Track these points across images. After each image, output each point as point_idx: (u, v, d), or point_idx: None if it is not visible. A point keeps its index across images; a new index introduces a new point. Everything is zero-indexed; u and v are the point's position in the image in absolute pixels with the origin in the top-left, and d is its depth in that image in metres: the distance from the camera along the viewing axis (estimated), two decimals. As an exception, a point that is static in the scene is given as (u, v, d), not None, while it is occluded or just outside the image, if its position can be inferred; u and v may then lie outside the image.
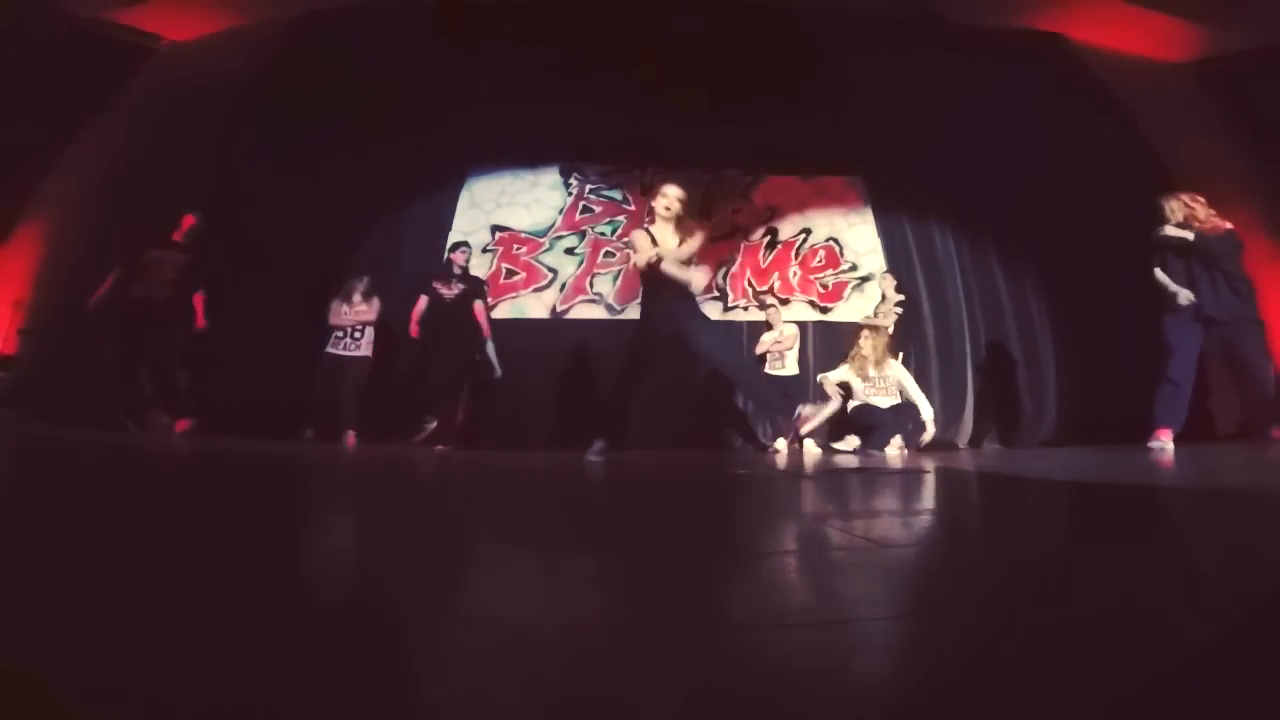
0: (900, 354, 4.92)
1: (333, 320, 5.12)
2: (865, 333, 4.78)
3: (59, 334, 4.86)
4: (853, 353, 4.78)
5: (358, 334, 5.12)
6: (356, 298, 5.16)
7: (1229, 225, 3.65)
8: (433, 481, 2.23)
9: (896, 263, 6.20)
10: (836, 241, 6.39)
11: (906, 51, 5.74)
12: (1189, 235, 3.61)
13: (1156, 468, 2.38)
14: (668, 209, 3.32)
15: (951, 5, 5.66)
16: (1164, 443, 3.44)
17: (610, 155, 6.49)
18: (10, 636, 0.49)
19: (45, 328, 5.03)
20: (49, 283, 5.22)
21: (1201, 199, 3.71)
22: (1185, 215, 3.66)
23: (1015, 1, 5.80)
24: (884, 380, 4.63)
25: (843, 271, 6.26)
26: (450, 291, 4.78)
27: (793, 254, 6.36)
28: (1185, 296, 3.54)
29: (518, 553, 0.97)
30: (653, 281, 3.28)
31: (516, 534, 1.15)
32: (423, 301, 4.89)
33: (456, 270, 4.90)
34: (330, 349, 5.08)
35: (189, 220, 4.41)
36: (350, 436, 4.89)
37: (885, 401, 4.59)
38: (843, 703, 0.40)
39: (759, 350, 5.59)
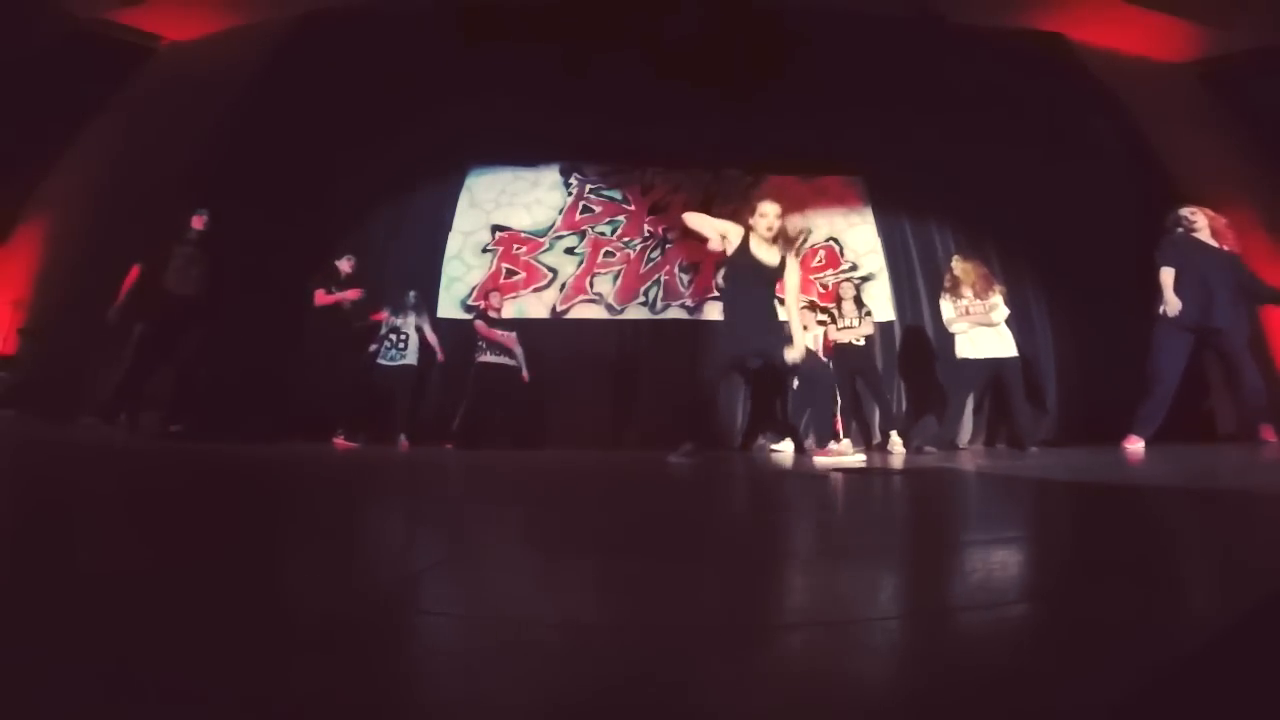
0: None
1: (382, 324, 5.21)
2: (956, 259, 4.53)
3: (59, 334, 4.85)
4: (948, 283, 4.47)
5: (403, 345, 5.15)
6: (410, 314, 5.26)
7: (1232, 238, 3.69)
8: (444, 481, 2.23)
9: (896, 263, 6.20)
10: (836, 241, 6.39)
11: (906, 51, 5.74)
12: (1202, 241, 3.65)
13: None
14: (769, 229, 3.14)
15: (951, 5, 5.66)
16: (1133, 447, 3.48)
17: (610, 155, 6.49)
18: None
19: (45, 328, 5.02)
20: (49, 283, 5.22)
21: (1210, 211, 3.74)
22: (1198, 224, 3.69)
23: (1015, 1, 5.79)
24: (985, 308, 4.27)
25: (842, 271, 6.26)
26: (349, 298, 4.91)
27: (793, 254, 6.36)
28: (1173, 307, 3.48)
29: (519, 552, 0.97)
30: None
31: (517, 534, 1.15)
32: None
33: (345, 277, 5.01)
34: (381, 361, 5.11)
35: (198, 219, 4.38)
36: (404, 441, 4.99)
37: (984, 333, 4.25)
38: (844, 704, 0.40)
39: (821, 344, 5.55)
